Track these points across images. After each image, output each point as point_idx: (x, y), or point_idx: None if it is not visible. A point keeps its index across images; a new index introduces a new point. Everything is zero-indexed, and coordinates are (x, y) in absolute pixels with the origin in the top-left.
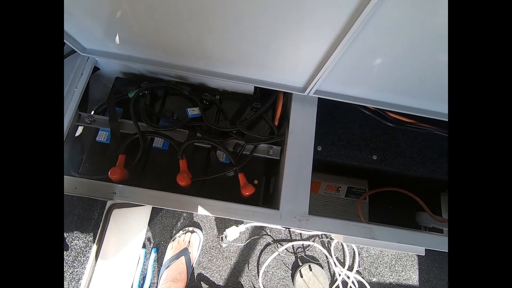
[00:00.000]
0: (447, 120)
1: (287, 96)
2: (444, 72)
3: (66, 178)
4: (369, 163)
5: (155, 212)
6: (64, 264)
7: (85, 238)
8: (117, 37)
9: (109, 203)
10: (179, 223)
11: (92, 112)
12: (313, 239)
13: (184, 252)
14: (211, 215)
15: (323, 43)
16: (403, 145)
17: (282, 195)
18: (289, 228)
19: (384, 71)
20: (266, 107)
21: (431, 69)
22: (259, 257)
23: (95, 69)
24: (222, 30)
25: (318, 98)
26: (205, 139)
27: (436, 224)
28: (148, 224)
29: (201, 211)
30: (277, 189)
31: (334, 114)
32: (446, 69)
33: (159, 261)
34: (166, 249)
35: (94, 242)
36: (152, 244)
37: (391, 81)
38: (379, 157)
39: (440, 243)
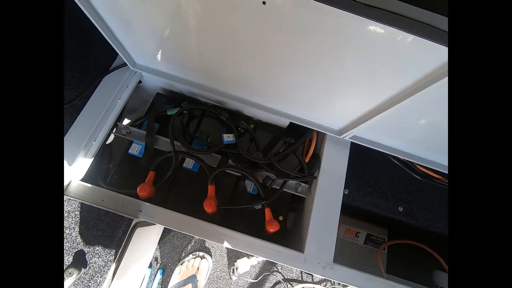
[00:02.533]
0: None
1: (319, 134)
2: None
3: (94, 188)
4: (394, 214)
5: (166, 231)
6: (80, 283)
7: (106, 256)
8: (168, 58)
9: (134, 221)
10: (189, 246)
11: (125, 122)
12: (324, 283)
13: (192, 279)
14: (234, 248)
15: (378, 100)
16: (429, 200)
17: (308, 238)
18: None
19: (425, 130)
20: (299, 143)
21: None
22: None
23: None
24: (277, 71)
25: (351, 142)
26: (238, 168)
27: None
28: (158, 242)
29: (226, 244)
30: (300, 228)
31: (363, 159)
32: None
33: (163, 284)
34: (173, 272)
35: (113, 262)
36: (159, 264)
37: (428, 138)
38: (405, 209)
39: None
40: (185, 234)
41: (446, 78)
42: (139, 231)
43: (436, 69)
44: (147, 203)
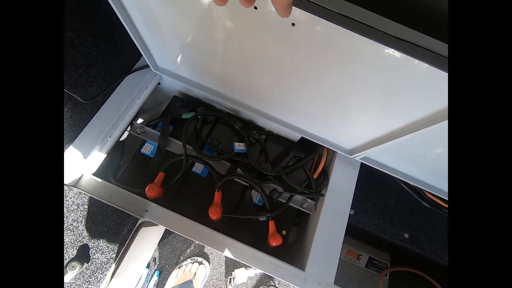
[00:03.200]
0: None
1: (329, 152)
2: None
3: (104, 184)
4: (399, 240)
5: (167, 232)
6: (81, 277)
7: (109, 253)
8: (189, 64)
9: (140, 221)
10: (188, 250)
11: (139, 121)
12: None
13: (188, 284)
14: (235, 259)
15: (394, 126)
16: (437, 229)
17: (310, 256)
18: None
19: (437, 159)
20: (309, 159)
21: None
22: None
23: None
24: (294, 86)
25: (361, 162)
26: (246, 178)
27: None
28: (158, 243)
29: (227, 253)
30: (302, 245)
31: (371, 180)
32: None
33: (159, 286)
34: (170, 274)
35: (115, 260)
36: (156, 265)
37: (440, 167)
38: (411, 236)
39: None
40: (185, 238)
41: None
42: (143, 231)
43: None
44: (154, 204)
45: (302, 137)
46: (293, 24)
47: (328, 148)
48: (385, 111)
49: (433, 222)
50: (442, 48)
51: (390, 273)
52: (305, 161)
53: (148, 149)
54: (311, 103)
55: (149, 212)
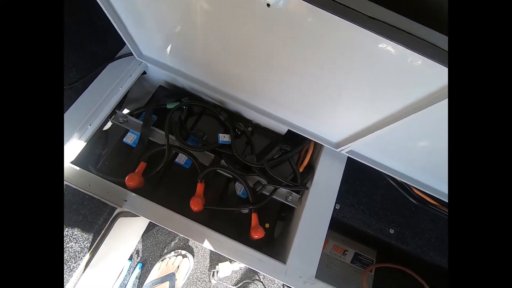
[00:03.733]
0: None
1: (316, 145)
2: None
3: (83, 172)
4: (384, 235)
5: (151, 225)
6: None
7: (83, 242)
8: (175, 52)
9: (117, 210)
10: (173, 243)
11: (126, 112)
12: None
13: (170, 277)
14: (215, 251)
15: (377, 116)
16: (422, 226)
17: (292, 250)
18: None
19: (426, 153)
20: (295, 152)
21: None
22: None
23: (142, 72)
24: (279, 76)
25: (348, 157)
26: (229, 169)
27: None
28: (141, 235)
29: (207, 244)
30: (285, 238)
31: (358, 175)
32: None
33: (141, 278)
34: (153, 267)
35: (89, 249)
36: (139, 258)
37: (429, 162)
38: (396, 232)
39: None
40: (170, 231)
41: (445, 101)
42: (121, 221)
43: (436, 91)
44: (133, 194)
45: (289, 131)
46: (268, 5)
47: (314, 142)
48: (368, 101)
49: (419, 218)
50: (427, 34)
51: (375, 269)
52: (290, 154)
53: (130, 138)
54: (294, 92)
55: (128, 202)
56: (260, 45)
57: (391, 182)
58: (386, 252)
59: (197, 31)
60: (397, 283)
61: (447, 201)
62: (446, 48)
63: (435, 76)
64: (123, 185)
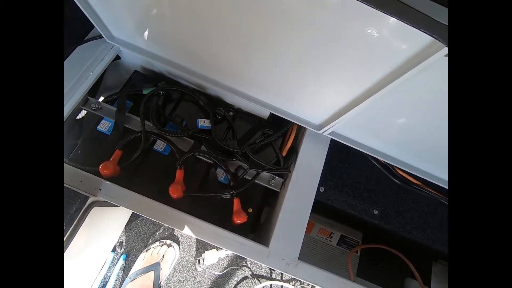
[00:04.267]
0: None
1: (300, 129)
2: None
3: None
4: (369, 216)
5: (135, 216)
6: None
7: None
8: (148, 34)
9: (91, 199)
10: (157, 233)
11: (101, 99)
12: (293, 282)
13: (155, 267)
14: (195, 237)
15: (354, 91)
16: (406, 205)
17: (274, 233)
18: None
19: (406, 130)
20: (277, 135)
21: (446, 139)
22: None
23: (116, 57)
24: (259, 56)
25: (331, 139)
26: (209, 154)
27: None
28: (125, 226)
29: (187, 230)
30: (269, 223)
31: (342, 157)
32: None
33: (125, 270)
34: (137, 258)
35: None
36: (123, 249)
37: (409, 141)
38: (380, 212)
39: None
40: (154, 221)
41: (415, 70)
42: (97, 211)
43: (408, 60)
44: (107, 182)
45: (272, 115)
46: None
47: (297, 125)
48: (344, 77)
49: (402, 198)
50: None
51: (361, 250)
52: (272, 137)
53: (104, 126)
54: (272, 72)
55: (102, 190)
56: (234, 23)
57: (375, 163)
58: (371, 233)
59: (169, 9)
60: (382, 262)
61: (429, 180)
62: (420, 9)
63: (408, 42)
64: (98, 174)
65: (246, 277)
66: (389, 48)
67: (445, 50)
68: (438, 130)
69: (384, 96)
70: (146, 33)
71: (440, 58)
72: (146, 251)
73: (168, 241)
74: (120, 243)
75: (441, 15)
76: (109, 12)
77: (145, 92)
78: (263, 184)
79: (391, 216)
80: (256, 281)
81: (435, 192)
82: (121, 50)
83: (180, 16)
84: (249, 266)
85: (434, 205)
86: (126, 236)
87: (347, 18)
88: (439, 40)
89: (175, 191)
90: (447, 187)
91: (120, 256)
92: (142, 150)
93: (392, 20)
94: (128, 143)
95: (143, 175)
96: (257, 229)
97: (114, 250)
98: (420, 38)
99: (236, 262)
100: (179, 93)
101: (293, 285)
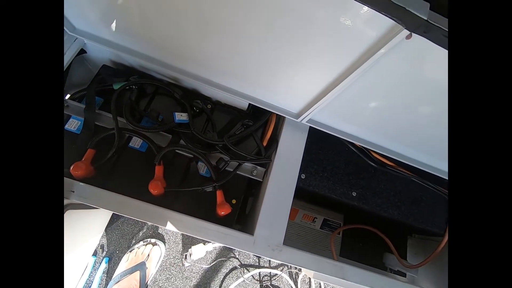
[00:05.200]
0: (423, 168)
1: (279, 119)
2: (428, 125)
3: None
4: (348, 198)
5: (115, 217)
6: None
7: None
8: (113, 24)
9: (64, 202)
10: (141, 233)
11: (67, 97)
12: (281, 268)
13: (141, 266)
14: (179, 231)
15: (326, 77)
16: (382, 186)
17: (258, 221)
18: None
19: (377, 114)
20: (257, 126)
21: (417, 121)
22: (222, 282)
23: (81, 51)
24: (230, 44)
25: (310, 126)
26: (188, 148)
27: (401, 267)
28: (105, 229)
29: (169, 226)
30: (254, 212)
31: (322, 144)
32: (431, 123)
33: (109, 273)
34: (121, 260)
35: None
36: (105, 252)
37: (381, 124)
38: (358, 194)
39: None
40: (136, 221)
41: (379, 53)
42: (72, 214)
43: (374, 43)
44: (81, 183)
45: (251, 106)
46: None
47: (276, 114)
48: (315, 63)
49: (378, 179)
50: None
51: (342, 231)
52: (252, 128)
53: (73, 125)
54: (246, 61)
55: (76, 192)
56: (203, 9)
57: (351, 147)
58: (352, 215)
59: None
60: (363, 241)
61: (400, 160)
62: None
63: (373, 26)
64: (69, 176)
65: (234, 268)
66: (356, 33)
67: (405, 32)
68: (405, 111)
69: (354, 81)
70: (112, 24)
71: (401, 41)
72: (130, 252)
73: (153, 240)
74: (102, 246)
75: None
76: (69, 1)
77: (115, 87)
78: (246, 175)
79: (368, 197)
80: (245, 270)
81: (407, 172)
82: (86, 43)
83: (147, 4)
84: (237, 256)
85: (406, 184)
86: (107, 239)
87: (316, 4)
88: (399, 23)
89: (155, 188)
90: (417, 166)
91: (102, 260)
92: (117, 148)
93: (357, 5)
94: (102, 141)
95: (120, 174)
96: (243, 220)
97: (95, 254)
98: (382, 22)
99: (224, 254)
100: (153, 86)
101: (280, 271)
